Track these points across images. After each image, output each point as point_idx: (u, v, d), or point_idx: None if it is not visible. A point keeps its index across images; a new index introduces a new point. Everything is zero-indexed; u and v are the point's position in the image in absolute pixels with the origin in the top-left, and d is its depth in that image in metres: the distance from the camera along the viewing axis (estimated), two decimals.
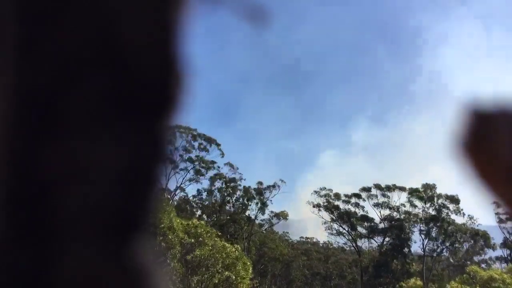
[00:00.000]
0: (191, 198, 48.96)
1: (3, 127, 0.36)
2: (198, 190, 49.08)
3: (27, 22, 0.36)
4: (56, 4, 0.36)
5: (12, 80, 0.36)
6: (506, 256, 49.50)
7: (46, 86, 0.35)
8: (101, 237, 0.36)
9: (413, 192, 48.93)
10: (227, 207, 49.76)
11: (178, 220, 25.95)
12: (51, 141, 0.36)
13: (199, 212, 46.51)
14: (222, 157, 47.58)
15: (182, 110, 0.39)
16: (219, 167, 48.13)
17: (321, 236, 62.78)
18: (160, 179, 0.38)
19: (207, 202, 49.31)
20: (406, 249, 48.32)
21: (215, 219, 46.88)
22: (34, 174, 0.35)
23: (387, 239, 49.30)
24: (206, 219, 41.59)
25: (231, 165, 48.68)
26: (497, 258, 50.41)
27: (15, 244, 0.35)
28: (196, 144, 45.64)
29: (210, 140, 46.48)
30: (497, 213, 45.43)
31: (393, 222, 48.93)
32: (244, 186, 49.73)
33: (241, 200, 49.71)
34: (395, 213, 49.36)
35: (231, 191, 49.32)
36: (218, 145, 46.86)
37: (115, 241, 0.36)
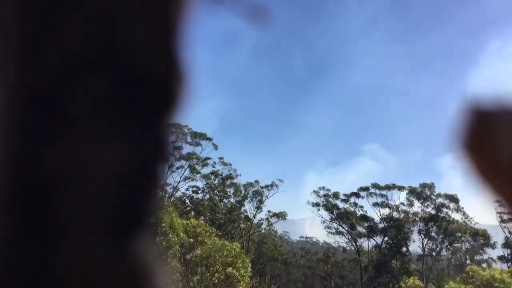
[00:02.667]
0: (186, 196, 48.66)
1: (7, 127, 0.36)
2: (191, 188, 48.64)
3: (29, 22, 0.36)
4: (58, 4, 0.36)
5: (15, 80, 0.36)
6: (507, 255, 49.53)
7: (49, 86, 0.36)
8: (105, 235, 0.36)
9: (411, 191, 48.96)
10: (222, 205, 49.39)
11: (179, 220, 25.98)
12: (54, 140, 0.36)
13: (192, 213, 46.05)
14: (216, 149, 47.01)
15: (183, 109, 0.39)
16: (214, 162, 47.70)
17: (321, 235, 62.84)
18: (162, 177, 0.39)
19: (200, 197, 48.81)
20: (404, 249, 48.32)
21: (210, 217, 46.58)
22: (37, 173, 0.35)
23: (386, 238, 49.32)
24: (202, 218, 41.21)
25: (224, 163, 48.26)
26: (499, 258, 50.44)
27: (20, 243, 0.35)
28: (188, 140, 44.63)
29: (200, 136, 45.48)
30: (498, 212, 45.69)
31: (391, 222, 48.93)
32: (237, 184, 49.33)
33: (236, 198, 49.47)
34: (394, 213, 49.42)
35: (226, 189, 48.99)
36: (209, 139, 46.03)
37: (118, 238, 0.37)
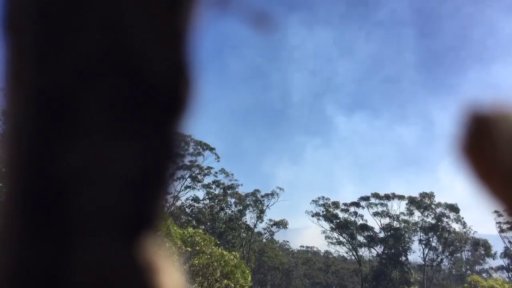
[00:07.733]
0: (186, 205, 48.74)
1: (22, 130, 0.37)
2: (192, 197, 48.71)
3: (43, 27, 0.37)
4: (72, 11, 0.37)
5: (29, 85, 0.37)
6: (506, 265, 49.25)
7: (61, 90, 0.37)
8: (115, 235, 0.37)
9: (411, 200, 48.88)
10: (222, 214, 49.39)
11: (176, 228, 25.98)
12: (66, 143, 0.37)
13: (194, 222, 46.03)
14: (218, 161, 47.30)
15: (191, 114, 0.40)
16: (216, 172, 47.78)
17: (322, 245, 62.67)
18: (170, 180, 0.40)
19: (201, 206, 48.82)
20: (403, 258, 48.11)
21: (210, 227, 46.57)
22: (50, 175, 0.37)
23: (385, 248, 49.15)
24: (202, 227, 41.15)
25: (226, 173, 48.40)
26: (498, 268, 50.14)
27: (33, 244, 0.36)
28: (190, 150, 44.76)
29: (203, 145, 45.86)
30: (498, 222, 45.62)
31: (391, 231, 48.80)
32: (239, 193, 49.43)
33: (237, 207, 49.45)
34: (395, 222, 49.31)
35: (227, 198, 48.99)
36: (212, 149, 46.36)
37: (128, 239, 0.38)
